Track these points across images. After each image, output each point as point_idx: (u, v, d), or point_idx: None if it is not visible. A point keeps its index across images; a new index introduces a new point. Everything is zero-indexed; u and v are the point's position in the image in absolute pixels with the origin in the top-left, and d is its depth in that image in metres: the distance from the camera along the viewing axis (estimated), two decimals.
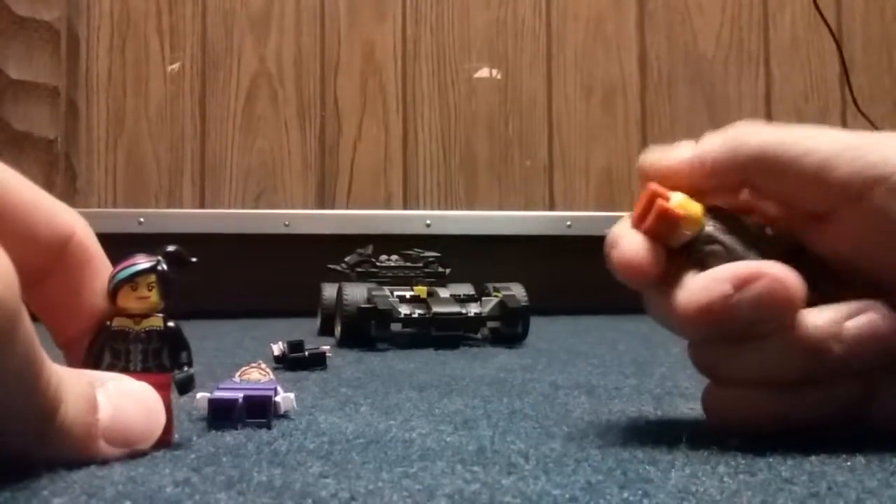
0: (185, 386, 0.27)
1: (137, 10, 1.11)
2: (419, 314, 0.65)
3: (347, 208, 1.13)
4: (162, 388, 0.27)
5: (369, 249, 0.75)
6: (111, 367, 0.27)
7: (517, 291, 0.69)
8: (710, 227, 0.29)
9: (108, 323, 0.27)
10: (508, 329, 0.67)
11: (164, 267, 0.27)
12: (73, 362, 0.27)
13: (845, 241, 0.28)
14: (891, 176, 0.26)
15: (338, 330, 0.68)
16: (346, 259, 0.74)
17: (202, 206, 1.11)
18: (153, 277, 0.27)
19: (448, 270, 0.74)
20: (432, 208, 1.15)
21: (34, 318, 0.22)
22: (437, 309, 0.65)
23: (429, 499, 0.21)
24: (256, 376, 0.36)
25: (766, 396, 0.28)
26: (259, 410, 0.31)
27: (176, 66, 1.12)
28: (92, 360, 0.27)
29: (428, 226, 1.05)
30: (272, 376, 0.36)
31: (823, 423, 0.28)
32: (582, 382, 0.45)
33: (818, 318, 0.27)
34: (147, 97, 1.11)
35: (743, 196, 0.31)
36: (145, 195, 1.10)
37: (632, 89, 1.21)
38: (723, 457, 0.26)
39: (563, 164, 1.19)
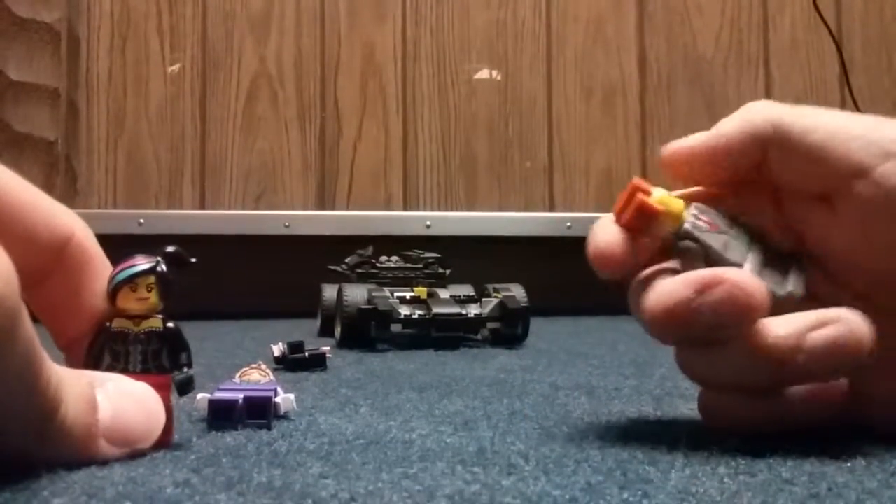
0: (185, 387, 0.27)
1: (138, 10, 1.11)
2: (419, 315, 0.65)
3: (347, 209, 1.13)
4: (161, 390, 0.27)
5: (369, 250, 0.75)
6: (110, 369, 0.27)
7: (517, 292, 0.69)
8: (688, 225, 0.28)
9: (108, 324, 0.27)
10: (508, 330, 0.67)
11: (164, 268, 0.27)
12: (73, 363, 0.27)
13: (849, 226, 0.28)
14: None
15: (338, 331, 0.68)
16: (347, 260, 0.74)
17: (202, 206, 1.11)
18: (152, 278, 0.27)
19: (448, 271, 0.74)
20: (432, 209, 1.15)
21: (34, 319, 0.22)
22: (437, 310, 0.65)
23: (429, 499, 0.21)
24: (256, 377, 0.36)
25: (743, 401, 0.28)
26: (259, 411, 0.31)
27: (176, 66, 1.12)
28: (92, 361, 0.27)
29: (428, 227, 1.05)
30: (272, 377, 0.36)
31: (812, 425, 0.28)
32: (582, 383, 0.45)
33: (781, 328, 0.26)
34: (147, 98, 1.11)
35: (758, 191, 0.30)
36: (145, 196, 1.10)
37: (631, 90, 1.21)
38: (723, 457, 0.26)
39: (562, 165, 1.19)
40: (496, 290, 0.70)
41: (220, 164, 1.12)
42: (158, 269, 0.27)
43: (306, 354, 0.50)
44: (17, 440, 0.22)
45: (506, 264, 0.94)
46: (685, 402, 0.38)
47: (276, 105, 1.13)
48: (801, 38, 1.24)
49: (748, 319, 0.26)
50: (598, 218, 0.30)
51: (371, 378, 0.47)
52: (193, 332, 0.28)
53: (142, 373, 0.27)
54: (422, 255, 0.75)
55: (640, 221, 0.28)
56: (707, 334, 0.27)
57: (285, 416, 0.33)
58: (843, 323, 0.26)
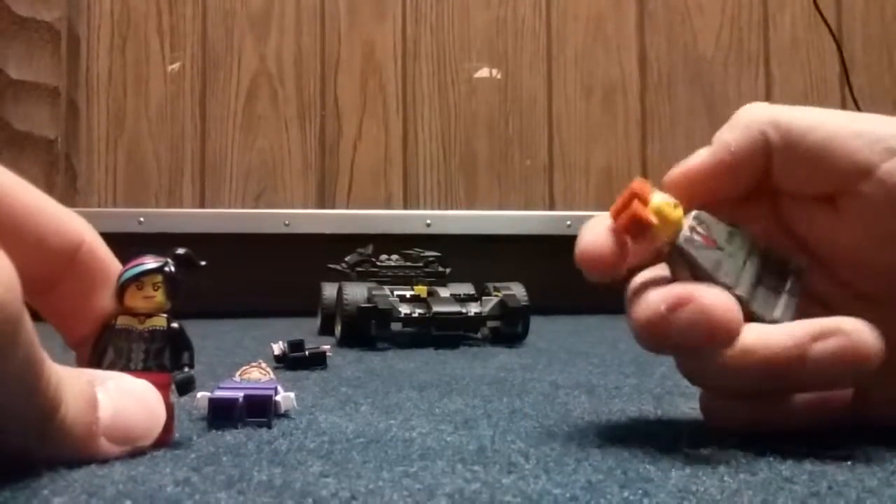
0: (185, 387, 0.27)
1: (138, 10, 1.11)
2: (419, 314, 0.65)
3: (347, 208, 1.13)
4: (161, 388, 0.27)
5: (369, 249, 0.75)
6: (113, 365, 0.27)
7: (517, 291, 0.69)
8: (682, 241, 0.27)
9: (113, 321, 0.27)
10: (508, 328, 0.67)
11: (172, 268, 0.27)
12: (83, 362, 0.27)
13: (854, 224, 0.28)
14: None
15: (338, 329, 0.68)
16: (347, 258, 0.74)
17: (202, 205, 1.11)
18: (159, 278, 0.27)
19: (448, 270, 0.74)
20: (432, 208, 1.15)
21: (36, 318, 0.22)
22: (437, 308, 0.65)
23: (429, 498, 0.21)
24: (257, 375, 0.36)
25: (743, 402, 0.28)
26: (259, 410, 0.31)
27: (176, 65, 1.12)
28: (96, 357, 0.27)
29: (428, 225, 1.05)
30: (272, 376, 0.36)
31: (813, 426, 0.28)
32: (582, 382, 0.45)
33: (782, 339, 0.26)
34: (147, 97, 1.11)
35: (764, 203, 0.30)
36: (145, 195, 1.10)
37: (632, 89, 1.21)
38: (723, 456, 0.26)
39: (563, 163, 1.19)
40: (496, 289, 0.70)
41: (220, 163, 1.12)
42: (166, 268, 0.27)
43: (306, 353, 0.51)
44: (18, 439, 0.22)
45: (506, 263, 0.94)
46: (686, 401, 0.38)
47: (276, 104, 1.13)
48: (802, 36, 1.24)
49: (715, 343, 0.26)
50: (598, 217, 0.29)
51: (371, 376, 0.47)
52: (194, 330, 0.28)
53: (143, 370, 0.27)
54: (422, 254, 0.75)
55: (633, 230, 0.28)
56: (683, 350, 0.27)
57: (285, 415, 0.33)
58: (846, 333, 0.25)
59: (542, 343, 0.68)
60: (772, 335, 0.26)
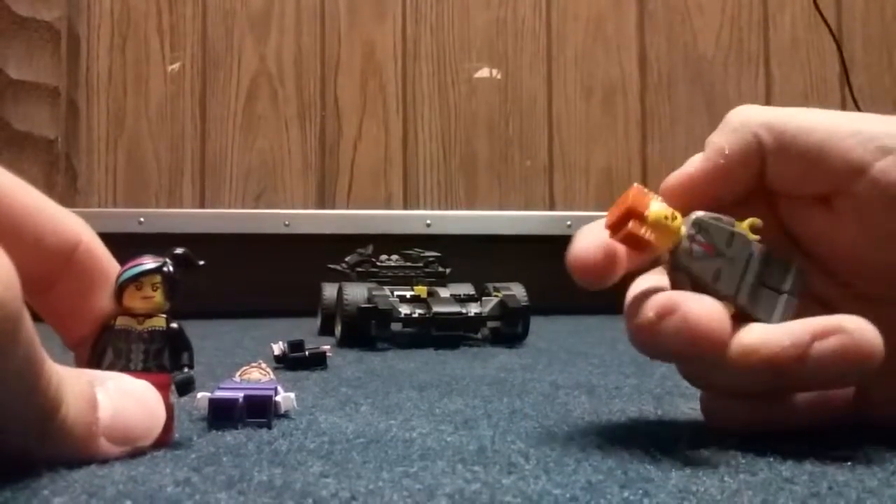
0: (185, 387, 0.27)
1: (138, 9, 1.11)
2: (419, 314, 0.65)
3: (347, 208, 1.13)
4: (161, 388, 0.27)
5: (369, 249, 0.75)
6: (112, 366, 0.27)
7: (517, 291, 0.69)
8: (681, 253, 0.27)
9: (112, 322, 0.27)
10: (508, 329, 0.67)
11: (171, 268, 0.27)
12: (81, 362, 0.27)
13: (850, 223, 0.28)
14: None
15: (338, 330, 0.68)
16: (347, 259, 0.74)
17: (202, 205, 1.11)
18: (158, 278, 0.27)
19: (448, 270, 0.74)
20: (432, 208, 1.15)
21: (36, 318, 0.22)
22: (437, 309, 0.65)
23: (429, 498, 0.21)
24: (257, 376, 0.36)
25: (744, 403, 0.28)
26: (259, 410, 0.31)
27: (176, 65, 1.12)
28: (95, 358, 0.27)
29: (428, 226, 1.05)
30: (272, 376, 0.36)
31: (814, 426, 0.28)
32: (582, 382, 0.45)
33: (783, 337, 0.26)
34: (147, 97, 1.11)
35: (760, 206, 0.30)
36: (145, 195, 1.10)
37: (632, 89, 1.21)
38: (723, 456, 0.26)
39: (563, 163, 1.19)
40: (496, 289, 0.70)
41: (220, 163, 1.12)
42: (165, 269, 0.27)
43: (306, 353, 0.50)
44: (18, 439, 0.22)
45: (506, 263, 0.94)
46: (686, 401, 0.38)
47: (276, 104, 1.13)
48: (802, 36, 1.24)
49: (699, 353, 0.26)
50: (598, 217, 0.29)
51: (371, 377, 0.47)
52: (194, 330, 0.28)
53: (142, 371, 0.27)
54: (422, 254, 0.75)
55: (631, 245, 0.27)
56: (673, 358, 0.27)
57: (286, 415, 0.33)
58: (847, 332, 0.25)
59: (542, 343, 0.68)
60: (773, 334, 0.26)
